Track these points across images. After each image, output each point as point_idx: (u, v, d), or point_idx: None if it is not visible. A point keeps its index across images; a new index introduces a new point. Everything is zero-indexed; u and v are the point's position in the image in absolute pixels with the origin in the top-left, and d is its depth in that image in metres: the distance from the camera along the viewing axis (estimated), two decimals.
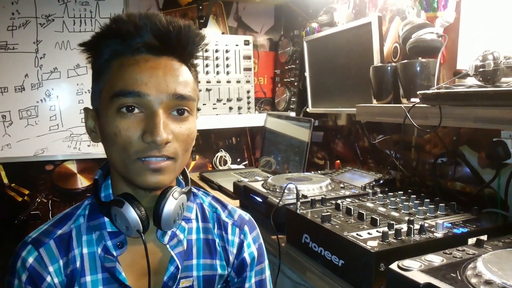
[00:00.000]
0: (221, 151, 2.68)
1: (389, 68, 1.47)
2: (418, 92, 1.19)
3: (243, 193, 1.60)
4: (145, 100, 0.70)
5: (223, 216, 0.91)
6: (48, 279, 0.76)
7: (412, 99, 1.31)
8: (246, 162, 2.76)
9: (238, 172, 2.37)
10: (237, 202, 1.68)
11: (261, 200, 1.44)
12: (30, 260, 0.76)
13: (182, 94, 0.73)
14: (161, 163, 0.72)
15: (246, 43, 2.55)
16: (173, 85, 0.72)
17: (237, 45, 2.52)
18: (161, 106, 0.71)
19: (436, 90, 1.15)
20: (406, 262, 0.82)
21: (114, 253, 0.78)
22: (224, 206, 0.93)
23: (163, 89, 0.71)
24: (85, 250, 0.78)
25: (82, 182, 2.42)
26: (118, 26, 0.72)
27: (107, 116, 0.72)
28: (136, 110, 0.71)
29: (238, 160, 2.75)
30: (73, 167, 2.40)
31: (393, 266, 0.82)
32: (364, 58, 1.71)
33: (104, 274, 0.78)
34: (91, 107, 0.80)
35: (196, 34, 0.76)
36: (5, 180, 2.29)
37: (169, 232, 0.82)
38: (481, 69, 1.06)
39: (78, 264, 0.77)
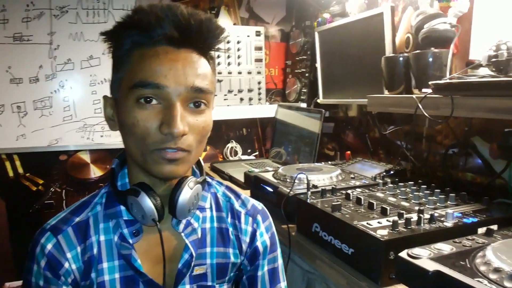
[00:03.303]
0: (232, 142, 2.69)
1: (401, 58, 1.46)
2: (430, 83, 1.19)
3: (253, 183, 1.61)
4: (163, 92, 0.71)
5: (237, 205, 0.92)
6: (66, 265, 0.78)
7: (424, 90, 1.31)
8: (257, 153, 2.78)
9: (248, 163, 2.38)
10: (247, 192, 1.69)
11: (271, 190, 1.45)
12: (49, 246, 0.78)
13: (200, 87, 0.74)
14: (176, 154, 0.73)
15: (258, 34, 2.55)
16: (192, 78, 0.73)
17: (248, 36, 2.53)
18: (179, 98, 0.72)
19: (448, 81, 1.16)
20: (416, 250, 0.82)
21: (130, 241, 0.80)
22: (237, 195, 0.95)
23: (181, 82, 0.72)
24: (102, 238, 0.80)
25: (95, 172, 2.45)
26: (140, 17, 0.73)
27: (126, 106, 0.73)
28: (154, 101, 0.72)
29: (249, 151, 2.76)
30: (86, 157, 2.43)
31: (403, 254, 0.83)
32: (376, 48, 1.70)
33: (121, 261, 0.80)
34: (110, 96, 0.82)
35: (217, 27, 0.77)
36: (20, 170, 2.34)
37: (184, 221, 0.83)
38: (494, 59, 1.06)
39: (95, 251, 0.79)
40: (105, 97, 0.82)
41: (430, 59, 1.34)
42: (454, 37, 1.33)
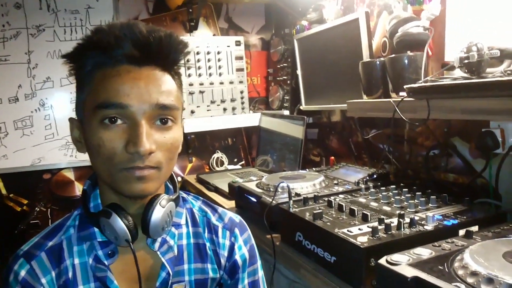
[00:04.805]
0: (218, 152, 2.68)
1: (377, 63, 1.47)
2: (404, 86, 1.20)
3: (237, 194, 1.60)
4: (127, 111, 0.70)
5: (213, 219, 0.91)
6: None
7: (401, 93, 1.31)
8: (243, 162, 2.77)
9: (234, 173, 2.38)
10: (233, 202, 1.69)
11: (255, 200, 1.44)
12: (22, 273, 0.76)
13: (165, 104, 0.73)
14: (145, 172, 0.72)
15: (238, 43, 2.55)
16: (156, 95, 0.72)
17: (228, 46, 2.53)
18: (144, 116, 0.71)
19: (422, 84, 1.16)
20: (395, 257, 0.82)
21: (106, 262, 0.78)
22: (214, 209, 0.94)
23: (145, 100, 0.71)
24: (76, 261, 0.79)
25: (80, 189, 2.42)
26: (99, 38, 0.72)
27: (90, 127, 0.72)
28: (119, 121, 0.71)
29: (235, 160, 2.76)
30: (70, 174, 2.41)
31: (382, 261, 0.82)
32: (354, 53, 1.71)
33: (96, 284, 0.78)
34: (76, 118, 0.81)
35: (178, 42, 0.76)
36: (3, 191, 2.30)
37: (159, 239, 0.82)
38: (465, 61, 1.07)
39: (70, 274, 0.78)
40: (71, 119, 0.81)
41: (406, 62, 1.35)
42: (428, 40, 1.34)
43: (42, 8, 2.23)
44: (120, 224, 0.74)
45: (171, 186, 0.88)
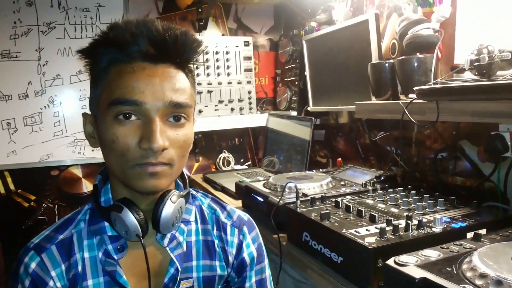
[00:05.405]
0: (224, 152, 2.69)
1: (386, 64, 1.47)
2: (414, 88, 1.19)
3: (244, 193, 1.61)
4: (142, 108, 0.71)
5: (222, 217, 0.92)
6: (51, 283, 0.77)
7: (410, 95, 1.31)
8: (250, 162, 2.77)
9: (241, 173, 2.38)
10: (239, 202, 1.69)
11: (262, 200, 1.45)
12: (33, 265, 0.77)
13: (179, 102, 0.74)
14: (158, 168, 0.73)
15: (246, 44, 2.56)
16: (170, 93, 0.73)
17: (237, 46, 2.54)
18: (158, 113, 0.72)
19: (432, 86, 1.16)
20: (403, 258, 0.82)
21: (115, 257, 0.79)
22: (223, 207, 0.94)
23: (159, 97, 0.72)
24: (86, 255, 0.79)
25: (87, 186, 2.44)
26: (115, 34, 0.72)
27: (105, 122, 0.73)
28: (133, 117, 0.72)
29: (242, 160, 2.76)
30: (78, 171, 2.42)
31: (390, 261, 0.82)
32: (362, 55, 1.71)
33: (106, 278, 0.79)
34: (89, 113, 0.81)
35: (193, 41, 0.77)
36: (12, 186, 2.32)
37: (169, 235, 0.83)
38: (476, 63, 1.06)
39: (80, 268, 0.79)
40: (84, 114, 0.82)
41: (415, 65, 1.35)
42: (437, 42, 1.34)
43: (53, 6, 2.25)
44: (131, 218, 0.74)
45: (181, 183, 0.89)
